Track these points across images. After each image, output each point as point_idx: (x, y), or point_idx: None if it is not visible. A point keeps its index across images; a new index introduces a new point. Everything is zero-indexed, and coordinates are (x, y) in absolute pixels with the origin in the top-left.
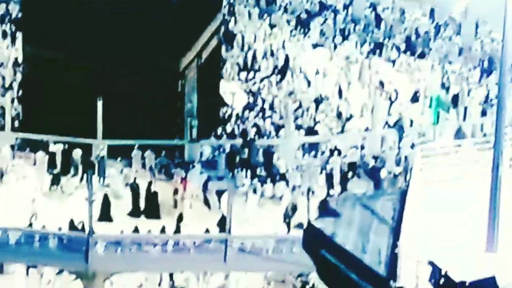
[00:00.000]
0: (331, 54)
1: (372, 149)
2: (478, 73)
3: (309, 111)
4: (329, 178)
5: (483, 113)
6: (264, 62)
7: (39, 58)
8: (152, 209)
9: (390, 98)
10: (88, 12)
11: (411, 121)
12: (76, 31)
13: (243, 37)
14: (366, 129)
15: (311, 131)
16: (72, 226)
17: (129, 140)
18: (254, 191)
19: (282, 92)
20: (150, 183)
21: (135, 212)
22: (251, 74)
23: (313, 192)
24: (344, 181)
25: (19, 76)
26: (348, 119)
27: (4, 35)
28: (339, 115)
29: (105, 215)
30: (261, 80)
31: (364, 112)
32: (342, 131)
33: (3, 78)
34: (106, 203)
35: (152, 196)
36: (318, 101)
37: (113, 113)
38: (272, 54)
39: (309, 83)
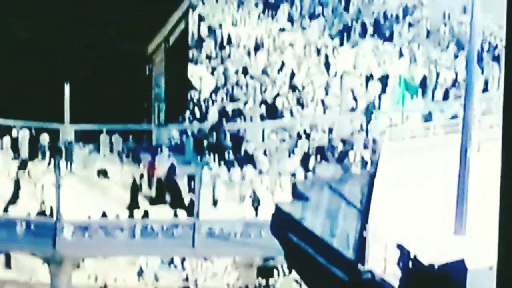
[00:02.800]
0: (299, 38)
1: (340, 132)
2: (446, 55)
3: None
4: (299, 161)
5: (450, 96)
6: (232, 46)
7: (6, 39)
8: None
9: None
10: None
11: (379, 104)
12: (43, 13)
13: (210, 21)
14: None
15: (272, 107)
16: (40, 211)
17: (97, 124)
18: (221, 175)
19: (249, 76)
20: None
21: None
22: (219, 57)
23: (280, 176)
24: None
25: None
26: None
27: None
28: (303, 100)
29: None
30: (227, 63)
31: (332, 96)
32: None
33: None
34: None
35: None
36: (289, 86)
37: (80, 97)
38: (240, 38)
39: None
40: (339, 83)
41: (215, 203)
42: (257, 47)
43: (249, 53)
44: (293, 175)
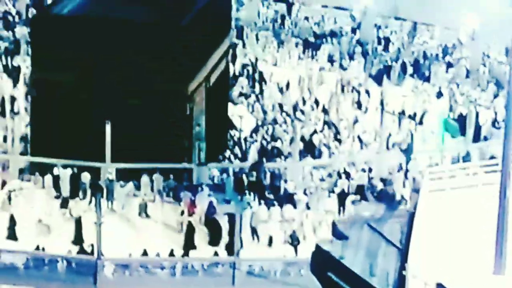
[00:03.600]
0: (339, 77)
1: (380, 171)
2: (486, 95)
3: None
4: (338, 200)
5: (491, 136)
6: (272, 85)
7: (48, 82)
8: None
9: (398, 121)
10: (97, 35)
11: (419, 144)
12: (85, 54)
13: (251, 60)
14: (374, 152)
15: (309, 144)
16: (81, 249)
17: (138, 163)
18: (262, 213)
19: (290, 115)
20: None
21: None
22: (258, 97)
23: (320, 215)
24: (352, 204)
25: (28, 100)
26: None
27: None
28: (339, 137)
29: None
30: (270, 104)
31: (372, 135)
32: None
33: (12, 102)
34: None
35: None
36: (328, 124)
37: (121, 136)
38: (280, 77)
39: (317, 106)
40: (379, 122)
41: (255, 241)
42: (296, 85)
43: (287, 91)
44: (333, 214)
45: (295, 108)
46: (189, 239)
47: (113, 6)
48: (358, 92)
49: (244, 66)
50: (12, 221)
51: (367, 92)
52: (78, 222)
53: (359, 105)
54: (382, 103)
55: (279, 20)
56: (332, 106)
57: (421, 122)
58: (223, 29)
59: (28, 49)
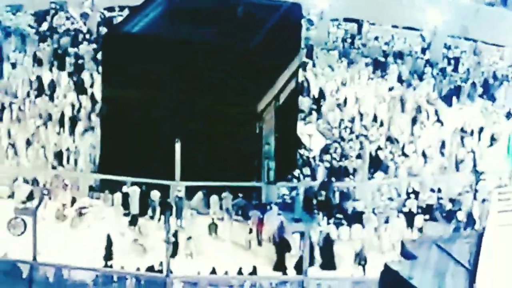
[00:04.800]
0: (407, 97)
1: (449, 191)
2: None
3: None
4: (406, 220)
5: None
6: (341, 104)
7: (118, 100)
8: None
9: (461, 141)
10: (167, 54)
11: (488, 165)
12: (155, 72)
13: (320, 80)
14: (442, 172)
15: (375, 159)
16: (149, 267)
17: (207, 181)
18: (330, 233)
19: (359, 134)
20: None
21: None
22: (329, 116)
23: (388, 235)
24: (420, 224)
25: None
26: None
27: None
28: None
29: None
30: (339, 123)
31: (441, 155)
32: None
33: (75, 118)
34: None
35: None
36: (391, 140)
37: (191, 154)
38: (349, 96)
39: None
40: (447, 142)
41: (323, 261)
42: (363, 104)
43: (351, 109)
44: (401, 233)
45: (359, 125)
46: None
47: (183, 26)
48: (426, 112)
49: (305, 82)
50: (109, 241)
51: (436, 112)
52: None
53: (424, 124)
54: (450, 123)
55: (348, 40)
56: (395, 122)
57: (490, 144)
58: (293, 48)
59: (93, 67)
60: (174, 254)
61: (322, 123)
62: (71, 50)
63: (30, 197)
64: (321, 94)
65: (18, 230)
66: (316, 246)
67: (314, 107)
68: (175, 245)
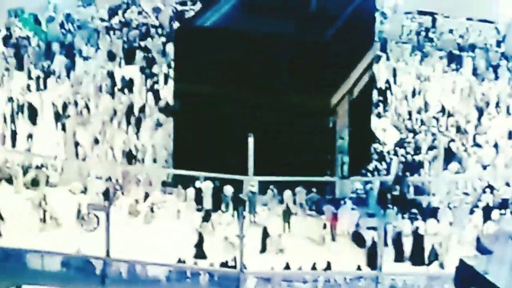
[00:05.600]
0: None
1: None
2: None
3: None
4: (482, 215)
5: None
6: (416, 99)
7: (190, 95)
8: None
9: None
10: (240, 47)
11: None
12: (227, 67)
13: (394, 74)
14: None
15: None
16: (223, 262)
17: (280, 176)
18: (404, 228)
19: (433, 129)
20: None
21: None
22: (402, 110)
23: (465, 229)
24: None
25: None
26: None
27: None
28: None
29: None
30: (411, 116)
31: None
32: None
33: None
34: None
35: None
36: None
37: (263, 149)
38: (423, 90)
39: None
40: None
41: (398, 256)
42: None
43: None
44: (477, 228)
45: (431, 117)
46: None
47: (255, 19)
48: (497, 105)
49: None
50: (200, 238)
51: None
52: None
53: (495, 115)
54: None
55: (423, 33)
56: (467, 114)
57: None
58: (367, 41)
59: (164, 61)
60: (263, 250)
61: (395, 116)
62: (142, 43)
63: (105, 193)
64: (394, 87)
65: (91, 225)
66: (403, 240)
67: (387, 100)
68: (263, 240)
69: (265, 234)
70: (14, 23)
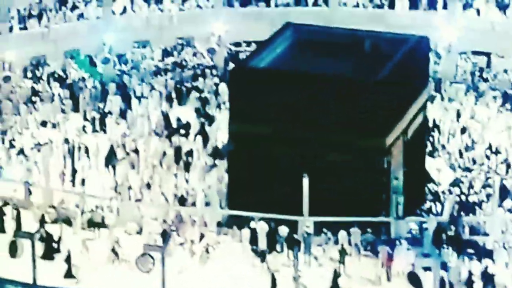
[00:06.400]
0: None
1: None
2: None
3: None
4: None
5: None
6: (467, 138)
7: (245, 134)
8: None
9: None
10: (294, 88)
11: None
12: (282, 107)
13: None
14: None
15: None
16: None
17: (335, 216)
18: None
19: (485, 168)
20: None
21: None
22: (456, 150)
23: None
24: None
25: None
26: None
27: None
28: None
29: None
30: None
31: None
32: None
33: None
34: None
35: None
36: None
37: (319, 190)
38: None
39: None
40: None
41: None
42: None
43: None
44: None
45: (484, 156)
46: None
47: (309, 59)
48: None
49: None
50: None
51: None
52: (274, 277)
53: None
54: None
55: (477, 73)
56: None
57: None
58: (421, 81)
59: (217, 101)
60: None
61: (448, 156)
62: (196, 84)
63: (162, 234)
64: (447, 127)
65: (146, 266)
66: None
67: (441, 141)
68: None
69: (336, 275)
70: (70, 64)
